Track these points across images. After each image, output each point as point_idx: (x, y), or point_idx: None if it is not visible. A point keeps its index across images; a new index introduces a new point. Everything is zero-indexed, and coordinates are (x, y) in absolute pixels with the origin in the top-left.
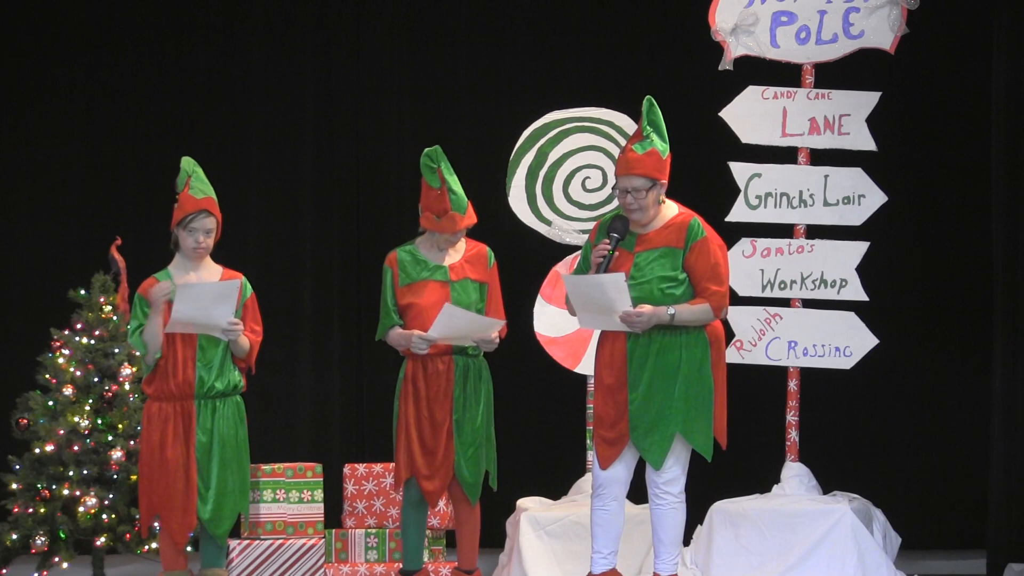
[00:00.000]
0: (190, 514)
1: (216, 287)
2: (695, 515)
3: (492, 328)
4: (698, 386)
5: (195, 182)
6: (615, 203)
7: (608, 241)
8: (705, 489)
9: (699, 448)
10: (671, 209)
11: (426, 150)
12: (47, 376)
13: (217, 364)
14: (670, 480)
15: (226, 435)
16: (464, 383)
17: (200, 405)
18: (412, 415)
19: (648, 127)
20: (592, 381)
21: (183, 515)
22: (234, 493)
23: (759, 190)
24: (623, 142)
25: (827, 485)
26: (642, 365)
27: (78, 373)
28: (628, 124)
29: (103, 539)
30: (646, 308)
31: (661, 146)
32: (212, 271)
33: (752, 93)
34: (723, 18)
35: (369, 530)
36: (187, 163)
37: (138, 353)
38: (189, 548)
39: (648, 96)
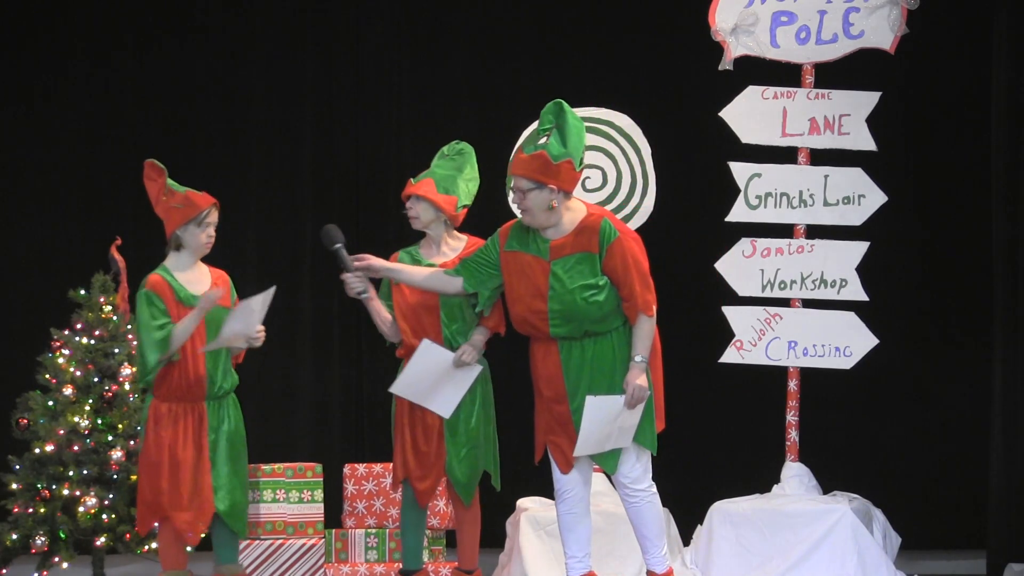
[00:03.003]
0: (204, 514)
1: (262, 300)
2: (695, 515)
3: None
4: None
5: (173, 183)
6: (616, 202)
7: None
8: (705, 489)
9: (645, 445)
10: (579, 212)
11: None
12: (47, 376)
13: (223, 364)
14: (635, 479)
15: (231, 432)
16: None
17: (210, 405)
18: (406, 416)
19: (551, 129)
20: None
21: (196, 515)
22: (243, 488)
23: (759, 190)
24: (623, 142)
25: (827, 485)
26: (578, 375)
27: (78, 373)
28: (628, 124)
29: (103, 539)
30: (632, 382)
31: (557, 151)
32: (202, 269)
33: (752, 93)
34: (723, 18)
35: (369, 530)
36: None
37: (153, 356)
38: (189, 548)
39: (558, 100)
